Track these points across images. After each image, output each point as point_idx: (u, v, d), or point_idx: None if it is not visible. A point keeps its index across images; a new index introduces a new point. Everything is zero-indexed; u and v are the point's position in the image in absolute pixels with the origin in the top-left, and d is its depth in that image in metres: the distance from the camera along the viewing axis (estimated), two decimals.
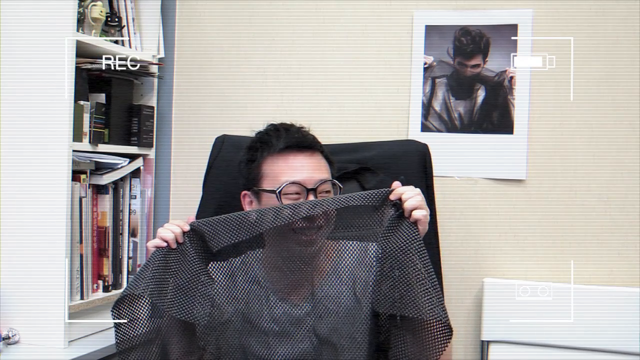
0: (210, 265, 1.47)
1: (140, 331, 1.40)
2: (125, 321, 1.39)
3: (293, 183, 1.53)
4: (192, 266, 1.43)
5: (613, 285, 1.97)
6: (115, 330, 1.40)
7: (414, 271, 1.35)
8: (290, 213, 1.42)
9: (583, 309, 1.93)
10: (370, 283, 1.46)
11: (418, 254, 1.37)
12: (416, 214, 1.40)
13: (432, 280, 1.35)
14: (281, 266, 1.50)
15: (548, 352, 1.96)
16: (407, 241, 1.38)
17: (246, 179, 1.63)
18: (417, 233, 1.39)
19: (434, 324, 1.35)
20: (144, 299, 1.40)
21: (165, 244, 1.42)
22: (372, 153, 1.90)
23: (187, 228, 1.44)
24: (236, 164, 1.69)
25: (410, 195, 1.41)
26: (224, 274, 1.49)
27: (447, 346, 1.35)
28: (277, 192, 1.53)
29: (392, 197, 1.42)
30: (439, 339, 1.35)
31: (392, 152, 1.89)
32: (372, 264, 1.47)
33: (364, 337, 1.45)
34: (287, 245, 1.47)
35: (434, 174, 1.88)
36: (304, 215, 1.42)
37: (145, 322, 1.41)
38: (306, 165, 1.56)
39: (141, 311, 1.41)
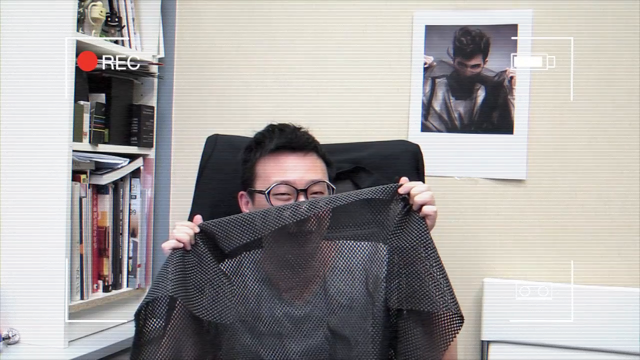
0: (221, 264, 1.46)
1: (161, 332, 1.37)
2: (152, 325, 1.35)
3: (282, 183, 1.53)
4: (209, 267, 1.43)
5: (613, 285, 1.97)
6: (137, 335, 1.34)
7: (424, 266, 1.38)
8: (290, 214, 1.42)
9: (583, 309, 1.93)
10: (382, 279, 1.47)
11: (426, 247, 1.39)
12: (426, 209, 1.42)
13: (442, 272, 1.37)
14: (288, 264, 1.49)
15: (548, 352, 1.96)
16: (417, 236, 1.40)
17: (242, 179, 1.63)
18: (425, 227, 1.41)
19: (444, 314, 1.37)
20: (171, 301, 1.37)
21: (181, 245, 1.41)
22: (365, 153, 1.88)
23: (197, 230, 1.43)
24: (229, 164, 1.69)
25: (419, 190, 1.43)
26: (234, 273, 1.48)
27: (456, 335, 1.36)
28: (265, 193, 1.54)
29: (402, 191, 1.43)
30: (449, 329, 1.36)
31: (384, 152, 1.88)
32: (383, 261, 1.47)
33: (377, 331, 1.46)
34: (285, 244, 1.47)
35: (426, 174, 1.86)
36: (304, 216, 1.42)
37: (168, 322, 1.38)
38: (298, 165, 1.56)
39: (168, 312, 1.37)
